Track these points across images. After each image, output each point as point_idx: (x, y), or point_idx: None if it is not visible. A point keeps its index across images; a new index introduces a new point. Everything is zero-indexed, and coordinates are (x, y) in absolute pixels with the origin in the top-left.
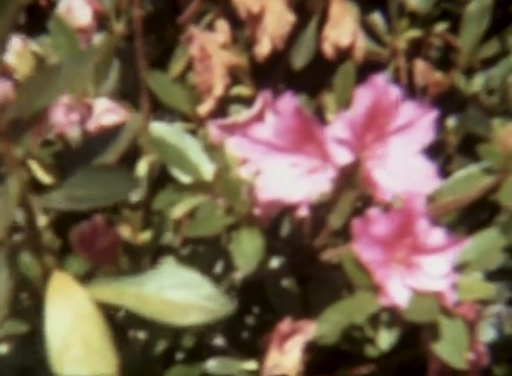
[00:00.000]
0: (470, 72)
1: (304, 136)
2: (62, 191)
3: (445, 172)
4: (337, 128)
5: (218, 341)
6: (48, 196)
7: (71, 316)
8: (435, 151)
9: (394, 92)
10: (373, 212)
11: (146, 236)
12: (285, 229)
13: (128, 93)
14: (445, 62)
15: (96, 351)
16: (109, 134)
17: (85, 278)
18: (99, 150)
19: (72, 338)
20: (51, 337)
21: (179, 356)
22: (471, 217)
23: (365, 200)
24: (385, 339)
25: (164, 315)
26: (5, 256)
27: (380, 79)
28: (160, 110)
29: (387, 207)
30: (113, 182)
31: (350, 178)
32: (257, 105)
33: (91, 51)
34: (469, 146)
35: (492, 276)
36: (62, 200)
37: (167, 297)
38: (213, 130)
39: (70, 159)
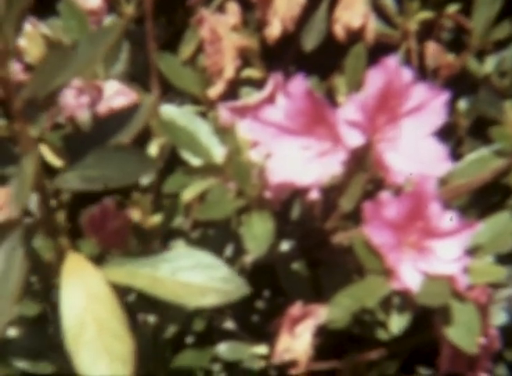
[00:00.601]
0: (481, 54)
1: (315, 119)
2: (75, 172)
3: (456, 155)
4: (349, 110)
5: (229, 324)
6: (62, 176)
7: (85, 297)
8: (446, 134)
9: (406, 74)
10: (384, 195)
11: (156, 219)
12: (295, 211)
13: (138, 76)
14: (456, 44)
15: (110, 332)
16: (122, 115)
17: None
18: (112, 131)
19: (86, 318)
20: (65, 318)
21: (189, 339)
22: (483, 200)
23: (377, 183)
24: (397, 323)
25: (178, 297)
26: (20, 236)
27: (392, 61)
28: (169, 92)
29: (398, 190)
30: (127, 162)
31: (361, 161)
32: (268, 87)
33: (106, 31)
34: (480, 129)
35: (502, 259)
36: (75, 181)
37: (182, 279)
38: (223, 112)
39: (83, 140)
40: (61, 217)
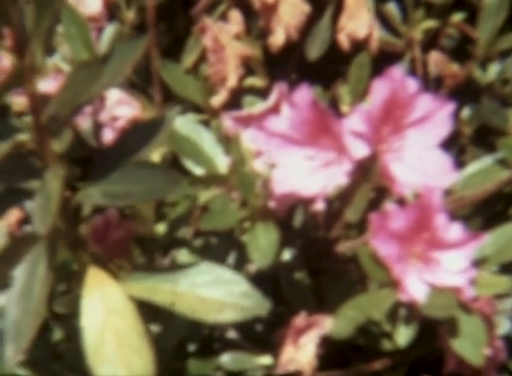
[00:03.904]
0: (484, 62)
1: (320, 129)
2: (98, 187)
3: (458, 163)
4: (354, 120)
5: (231, 334)
6: (84, 191)
7: (106, 312)
8: (449, 142)
9: (412, 84)
10: (390, 207)
11: (158, 228)
12: (298, 220)
13: (140, 83)
14: (459, 52)
15: (130, 346)
16: (145, 129)
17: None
18: (135, 145)
19: (106, 333)
20: (86, 332)
21: (190, 348)
22: (486, 209)
23: (379, 192)
24: (403, 335)
25: (198, 312)
26: (43, 250)
27: (398, 71)
28: (170, 100)
29: (401, 200)
30: (152, 179)
31: (366, 172)
32: (273, 97)
33: (133, 45)
34: (483, 137)
35: (505, 268)
36: (98, 196)
37: (202, 294)
38: (227, 122)
39: (105, 154)
40: (82, 230)
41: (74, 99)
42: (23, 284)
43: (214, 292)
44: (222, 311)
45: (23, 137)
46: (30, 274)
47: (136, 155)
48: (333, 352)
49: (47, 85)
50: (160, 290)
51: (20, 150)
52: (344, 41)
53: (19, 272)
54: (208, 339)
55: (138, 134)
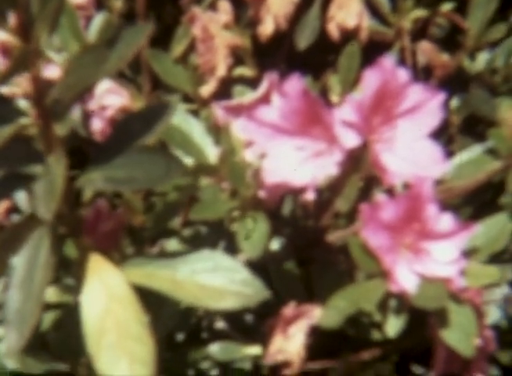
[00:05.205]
0: (473, 51)
1: (311, 119)
2: (100, 172)
3: (446, 153)
4: (345, 110)
5: (219, 324)
6: (87, 176)
7: (106, 299)
8: (437, 131)
9: (402, 74)
10: (380, 197)
11: (147, 218)
12: (287, 209)
13: (128, 73)
14: (449, 41)
15: (131, 333)
16: (146, 115)
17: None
18: (136, 131)
19: (107, 320)
20: (86, 319)
21: (179, 337)
22: (476, 198)
23: (368, 181)
24: (393, 325)
25: (197, 299)
26: (44, 235)
27: (388, 61)
28: (159, 90)
29: (390, 190)
30: (154, 164)
31: (357, 162)
32: (263, 86)
33: (137, 31)
34: (471, 126)
35: (495, 257)
36: (100, 181)
37: (202, 281)
38: (217, 112)
39: (107, 139)
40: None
41: (79, 83)
42: (24, 271)
43: (214, 279)
44: (223, 298)
45: (26, 121)
46: (31, 260)
47: (138, 141)
48: (322, 342)
49: None
50: (159, 276)
51: (23, 134)
52: (333, 30)
53: (19, 259)
54: (196, 329)
55: (140, 119)
